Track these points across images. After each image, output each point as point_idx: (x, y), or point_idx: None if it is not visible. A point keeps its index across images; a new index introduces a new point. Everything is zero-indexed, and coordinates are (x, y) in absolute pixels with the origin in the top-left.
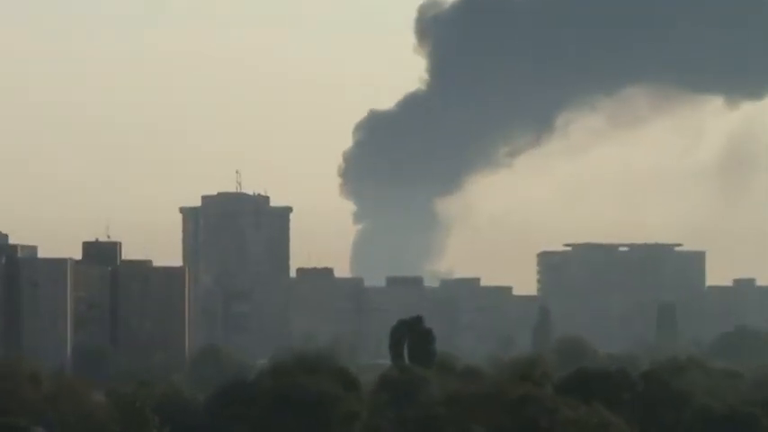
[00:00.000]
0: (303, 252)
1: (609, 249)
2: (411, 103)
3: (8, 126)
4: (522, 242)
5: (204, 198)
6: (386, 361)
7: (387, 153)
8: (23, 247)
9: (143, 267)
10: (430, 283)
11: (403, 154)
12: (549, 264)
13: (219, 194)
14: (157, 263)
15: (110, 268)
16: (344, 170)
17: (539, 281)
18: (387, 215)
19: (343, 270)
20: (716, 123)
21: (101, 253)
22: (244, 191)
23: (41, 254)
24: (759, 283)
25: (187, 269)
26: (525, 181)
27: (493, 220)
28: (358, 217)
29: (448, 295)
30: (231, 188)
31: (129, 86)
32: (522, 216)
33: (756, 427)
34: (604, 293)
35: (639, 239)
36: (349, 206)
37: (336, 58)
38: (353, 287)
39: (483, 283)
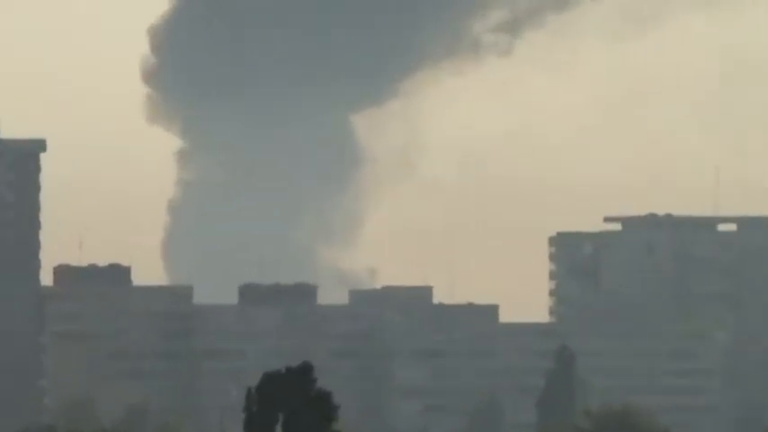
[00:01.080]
0: (68, 233)
1: (695, 227)
2: None
3: None
4: (519, 212)
5: None
6: None
7: (243, 24)
8: None
9: None
10: (329, 297)
11: (278, 28)
12: (575, 256)
13: None
14: None
15: None
16: (154, 66)
17: (553, 293)
18: (244, 156)
19: (150, 270)
20: None
21: None
22: None
23: None
24: None
25: None
26: (529, 86)
27: (461, 163)
28: (184, 160)
29: (369, 322)
30: None
31: None
32: (520, 157)
33: None
34: (685, 314)
35: (755, 209)
36: (166, 139)
37: None
38: (172, 305)
39: (438, 297)
